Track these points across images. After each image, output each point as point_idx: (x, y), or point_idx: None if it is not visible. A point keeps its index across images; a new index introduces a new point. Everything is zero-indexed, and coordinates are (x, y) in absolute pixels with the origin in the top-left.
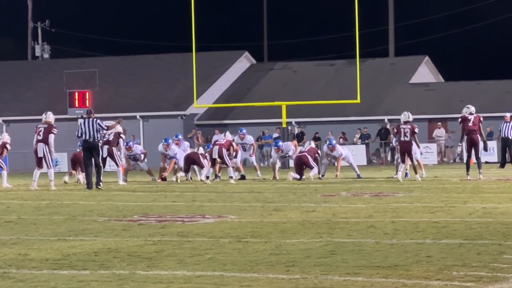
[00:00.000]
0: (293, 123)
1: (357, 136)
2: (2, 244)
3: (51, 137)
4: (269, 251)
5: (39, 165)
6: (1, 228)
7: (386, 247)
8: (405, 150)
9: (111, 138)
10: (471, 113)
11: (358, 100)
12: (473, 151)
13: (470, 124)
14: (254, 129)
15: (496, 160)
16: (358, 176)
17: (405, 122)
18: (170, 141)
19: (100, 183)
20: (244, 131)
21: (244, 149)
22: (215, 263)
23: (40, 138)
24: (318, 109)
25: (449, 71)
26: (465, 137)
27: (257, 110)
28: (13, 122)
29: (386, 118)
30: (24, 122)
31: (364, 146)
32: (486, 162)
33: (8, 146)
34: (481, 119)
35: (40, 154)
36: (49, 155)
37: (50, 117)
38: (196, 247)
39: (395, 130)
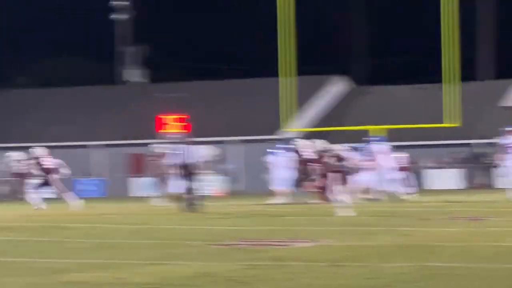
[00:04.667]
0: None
1: (450, 160)
2: (97, 267)
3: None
4: (365, 275)
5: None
6: (97, 252)
7: (483, 272)
8: None
9: None
10: None
11: (455, 124)
12: None
13: None
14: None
15: None
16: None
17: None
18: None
19: (197, 206)
20: None
21: None
22: (310, 287)
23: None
24: (413, 133)
25: None
26: None
27: (353, 134)
28: (105, 147)
29: (478, 141)
30: (117, 147)
31: (457, 170)
32: None
33: (57, 169)
34: None
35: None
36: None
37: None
38: (292, 271)
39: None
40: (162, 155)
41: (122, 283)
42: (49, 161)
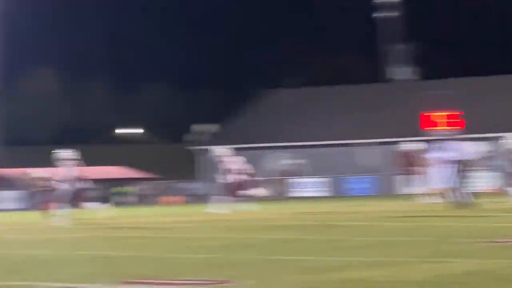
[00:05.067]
0: None
1: None
2: (371, 265)
3: None
4: None
5: None
6: (369, 250)
7: None
8: None
9: None
10: None
11: None
12: None
13: None
14: None
15: None
16: None
17: None
18: None
19: (468, 203)
20: None
21: None
22: None
23: None
24: None
25: None
26: None
27: None
28: (374, 145)
29: None
30: (386, 144)
31: None
32: None
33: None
34: None
35: None
36: None
37: None
38: None
39: None
40: (426, 152)
41: (396, 281)
42: (233, 163)
